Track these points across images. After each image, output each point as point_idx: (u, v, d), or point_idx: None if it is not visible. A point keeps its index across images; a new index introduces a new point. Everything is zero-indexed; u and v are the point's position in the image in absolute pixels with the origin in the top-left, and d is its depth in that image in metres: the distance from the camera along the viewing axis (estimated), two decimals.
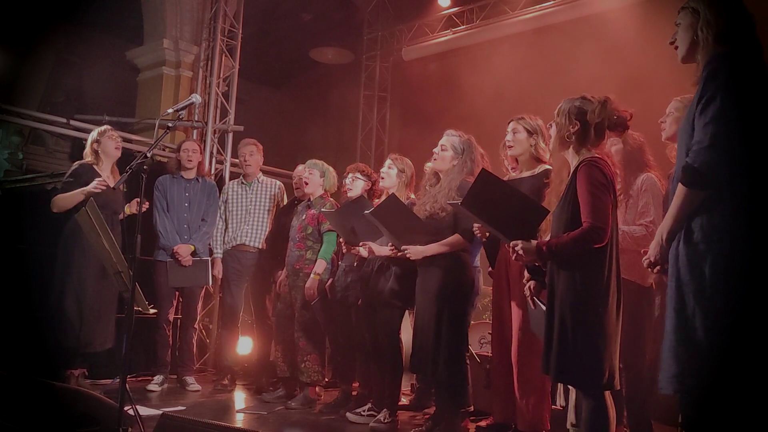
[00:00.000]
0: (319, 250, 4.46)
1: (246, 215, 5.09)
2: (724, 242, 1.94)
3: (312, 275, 4.37)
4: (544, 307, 2.70)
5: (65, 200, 4.36)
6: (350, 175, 4.41)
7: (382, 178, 4.16)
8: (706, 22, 2.09)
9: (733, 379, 1.89)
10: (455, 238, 3.60)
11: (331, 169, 4.68)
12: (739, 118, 1.93)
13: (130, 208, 4.58)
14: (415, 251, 3.62)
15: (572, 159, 2.64)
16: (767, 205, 1.91)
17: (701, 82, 2.01)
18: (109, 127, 4.72)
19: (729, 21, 2.07)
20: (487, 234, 3.46)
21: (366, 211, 3.73)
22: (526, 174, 3.52)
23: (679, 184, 2.04)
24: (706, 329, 1.93)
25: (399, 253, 3.76)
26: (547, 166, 3.39)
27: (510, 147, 3.53)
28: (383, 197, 4.05)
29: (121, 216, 4.52)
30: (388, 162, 4.17)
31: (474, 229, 3.47)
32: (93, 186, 4.30)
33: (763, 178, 1.93)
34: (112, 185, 4.40)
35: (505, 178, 3.57)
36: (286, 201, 5.26)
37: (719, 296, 1.93)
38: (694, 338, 1.95)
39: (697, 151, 1.96)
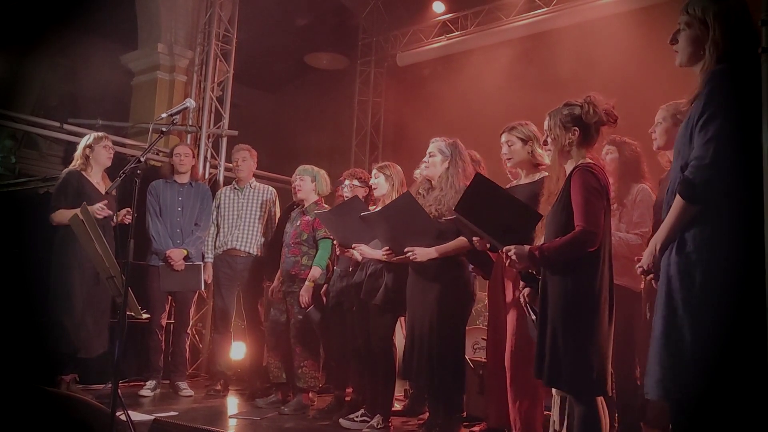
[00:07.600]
0: (314, 256, 4.46)
1: (237, 220, 5.08)
2: (714, 253, 1.95)
3: (307, 282, 4.36)
4: None
5: (64, 216, 4.29)
6: (347, 181, 4.39)
7: (374, 189, 4.13)
8: (713, 41, 2.06)
9: (718, 386, 1.89)
10: (459, 240, 3.59)
11: (321, 172, 4.65)
12: (738, 137, 1.94)
13: (118, 217, 4.56)
14: (422, 252, 3.59)
15: (569, 166, 2.64)
16: (757, 220, 1.91)
17: (703, 98, 2.01)
18: (104, 134, 4.70)
19: (734, 38, 2.04)
20: (488, 246, 3.42)
21: (366, 212, 3.71)
22: (525, 181, 3.51)
23: (677, 196, 2.04)
24: (693, 337, 1.93)
25: (395, 258, 3.75)
26: (546, 174, 3.38)
27: (509, 159, 3.53)
28: (379, 204, 4.04)
29: (112, 223, 4.51)
30: (373, 172, 4.15)
31: (474, 241, 3.43)
32: (97, 208, 4.25)
33: (755, 194, 1.93)
34: (103, 191, 4.40)
35: (507, 186, 3.57)
36: (278, 207, 5.25)
37: (707, 305, 1.93)
38: (680, 345, 1.96)
39: (698, 167, 1.97)
